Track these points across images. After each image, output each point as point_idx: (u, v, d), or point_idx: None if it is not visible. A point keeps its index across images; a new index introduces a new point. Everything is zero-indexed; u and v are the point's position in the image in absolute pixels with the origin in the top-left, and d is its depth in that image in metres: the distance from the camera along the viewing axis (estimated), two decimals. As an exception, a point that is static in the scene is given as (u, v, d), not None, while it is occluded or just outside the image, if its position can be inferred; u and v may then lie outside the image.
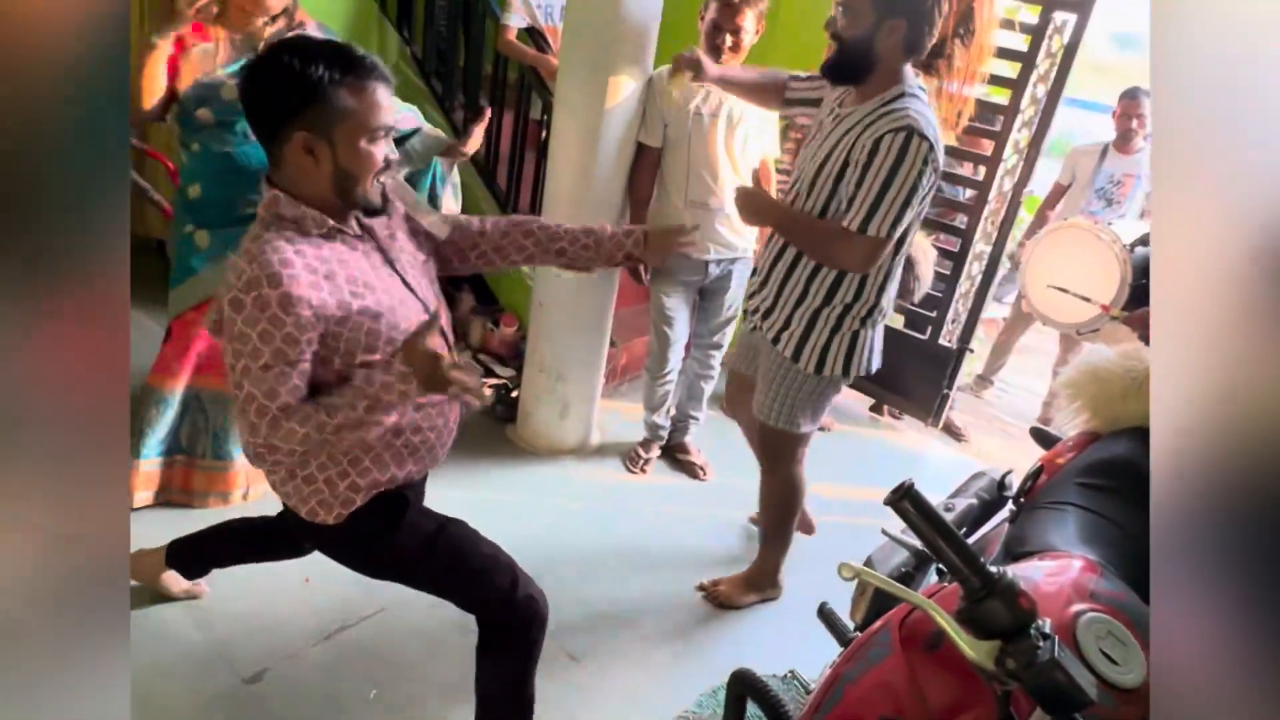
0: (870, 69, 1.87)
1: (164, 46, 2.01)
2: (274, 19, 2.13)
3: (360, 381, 1.34)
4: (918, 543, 1.68)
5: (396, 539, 1.51)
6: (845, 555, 2.30)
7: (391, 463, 1.47)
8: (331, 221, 1.34)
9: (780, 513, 2.35)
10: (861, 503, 3.05)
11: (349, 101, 1.27)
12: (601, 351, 2.96)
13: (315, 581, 2.17)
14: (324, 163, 1.30)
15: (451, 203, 2.50)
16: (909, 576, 1.67)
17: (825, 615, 1.69)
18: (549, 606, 1.60)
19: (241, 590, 2.11)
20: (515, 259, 1.68)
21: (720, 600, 2.39)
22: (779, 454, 2.25)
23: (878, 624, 1.14)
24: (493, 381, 3.28)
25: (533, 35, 3.35)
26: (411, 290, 1.46)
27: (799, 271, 2.03)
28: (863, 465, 3.35)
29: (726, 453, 3.15)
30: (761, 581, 2.42)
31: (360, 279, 1.36)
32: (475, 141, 2.36)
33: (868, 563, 1.68)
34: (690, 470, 3.03)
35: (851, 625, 1.64)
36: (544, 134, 3.26)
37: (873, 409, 3.82)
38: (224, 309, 1.27)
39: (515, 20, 3.29)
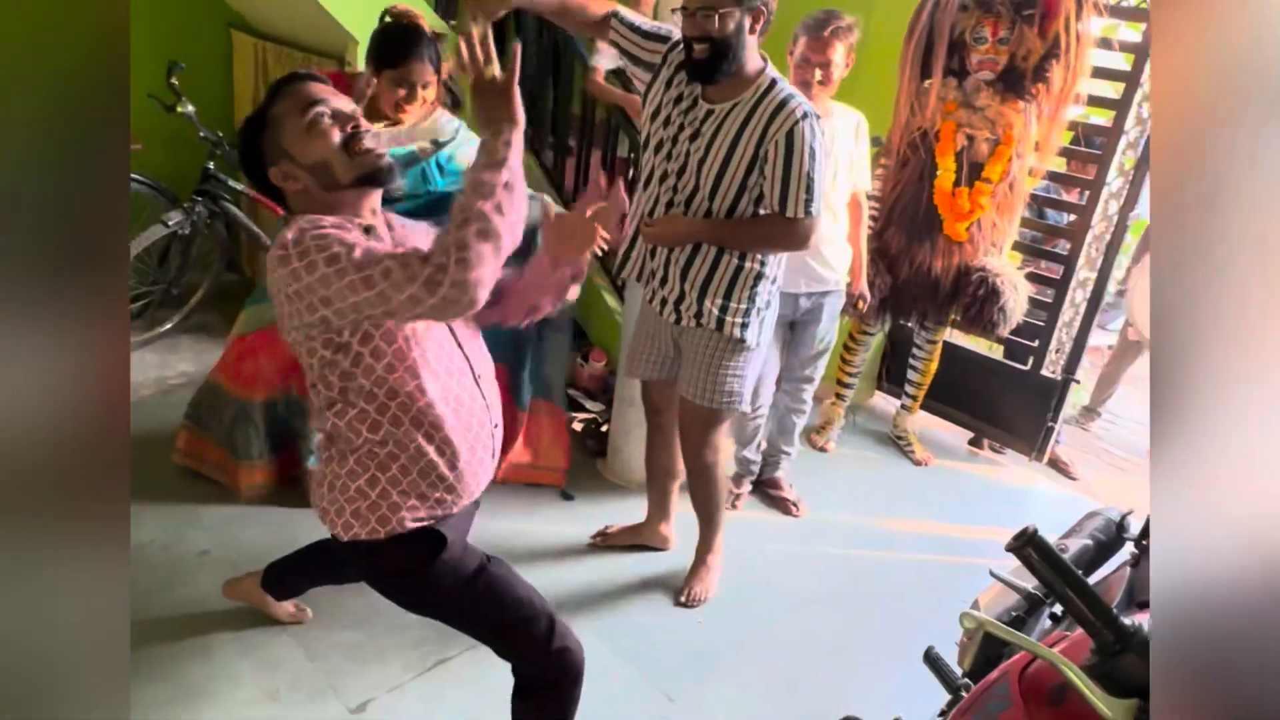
0: (742, 62, 1.99)
1: None
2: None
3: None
4: (1029, 585, 1.61)
5: (435, 576, 1.46)
6: (946, 596, 2.23)
7: (427, 491, 1.43)
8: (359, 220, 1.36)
9: (717, 492, 2.41)
10: (962, 541, 2.94)
11: (277, 111, 1.34)
12: (691, 386, 2.96)
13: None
14: (300, 175, 1.33)
15: None
16: (1020, 621, 1.59)
17: (931, 660, 1.62)
18: (585, 659, 1.56)
19: (349, 620, 2.18)
20: None
21: (695, 599, 2.44)
22: (709, 432, 2.28)
23: (995, 674, 1.09)
24: (583, 416, 3.32)
25: (619, 76, 3.42)
26: None
27: (726, 261, 2.11)
28: (962, 502, 3.23)
29: (820, 488, 3.09)
30: (714, 560, 2.49)
31: None
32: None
33: (975, 606, 1.61)
34: (783, 506, 2.98)
35: (959, 671, 1.58)
36: (631, 171, 3.31)
37: (972, 443, 3.68)
38: (294, 274, 1.24)
39: (603, 62, 3.37)
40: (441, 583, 1.48)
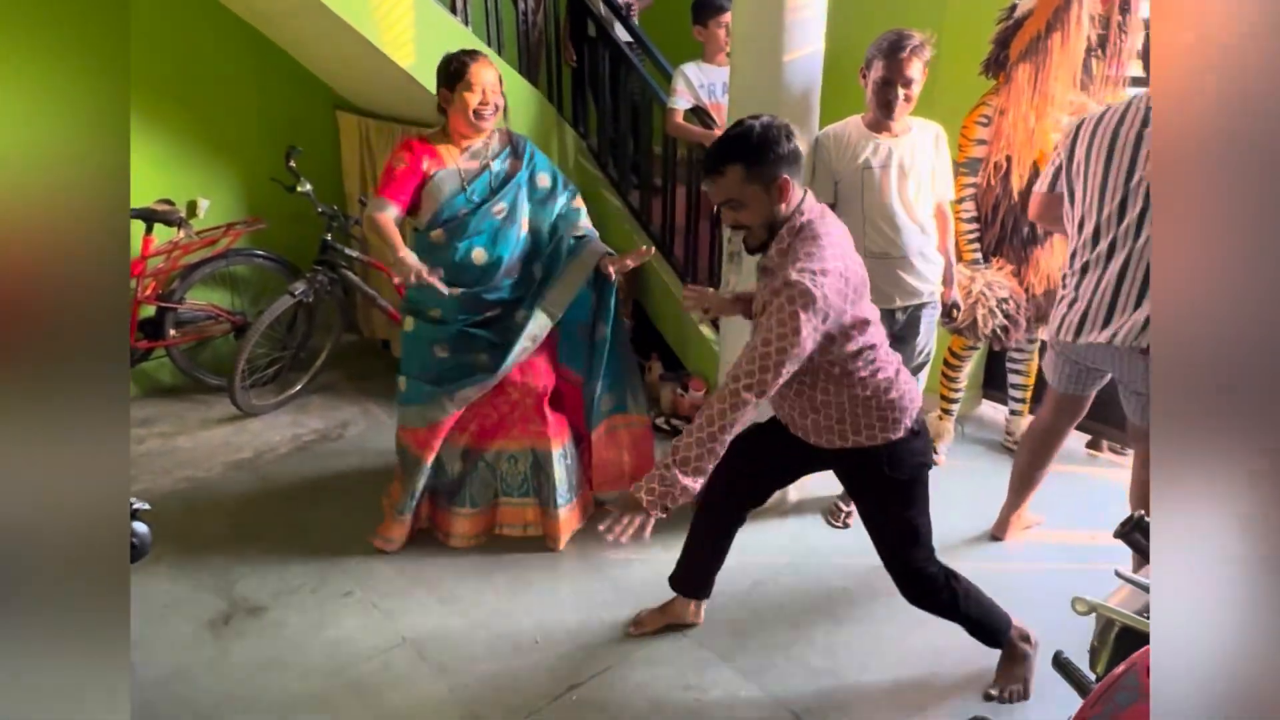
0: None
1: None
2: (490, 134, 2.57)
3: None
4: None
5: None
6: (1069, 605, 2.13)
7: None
8: None
9: None
10: (1085, 547, 2.86)
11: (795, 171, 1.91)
12: (792, 407, 3.00)
13: (545, 643, 2.34)
14: (778, 200, 1.91)
15: None
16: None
17: (1061, 665, 1.61)
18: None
19: (485, 651, 2.31)
20: None
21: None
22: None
23: (1122, 667, 1.11)
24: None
25: (697, 114, 3.54)
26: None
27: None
28: (1083, 507, 3.12)
29: (933, 502, 3.04)
30: None
31: None
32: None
33: (1102, 609, 1.59)
34: (894, 521, 2.96)
35: (1093, 677, 1.56)
36: (716, 205, 3.40)
37: (1090, 445, 3.56)
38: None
39: (681, 103, 3.50)
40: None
